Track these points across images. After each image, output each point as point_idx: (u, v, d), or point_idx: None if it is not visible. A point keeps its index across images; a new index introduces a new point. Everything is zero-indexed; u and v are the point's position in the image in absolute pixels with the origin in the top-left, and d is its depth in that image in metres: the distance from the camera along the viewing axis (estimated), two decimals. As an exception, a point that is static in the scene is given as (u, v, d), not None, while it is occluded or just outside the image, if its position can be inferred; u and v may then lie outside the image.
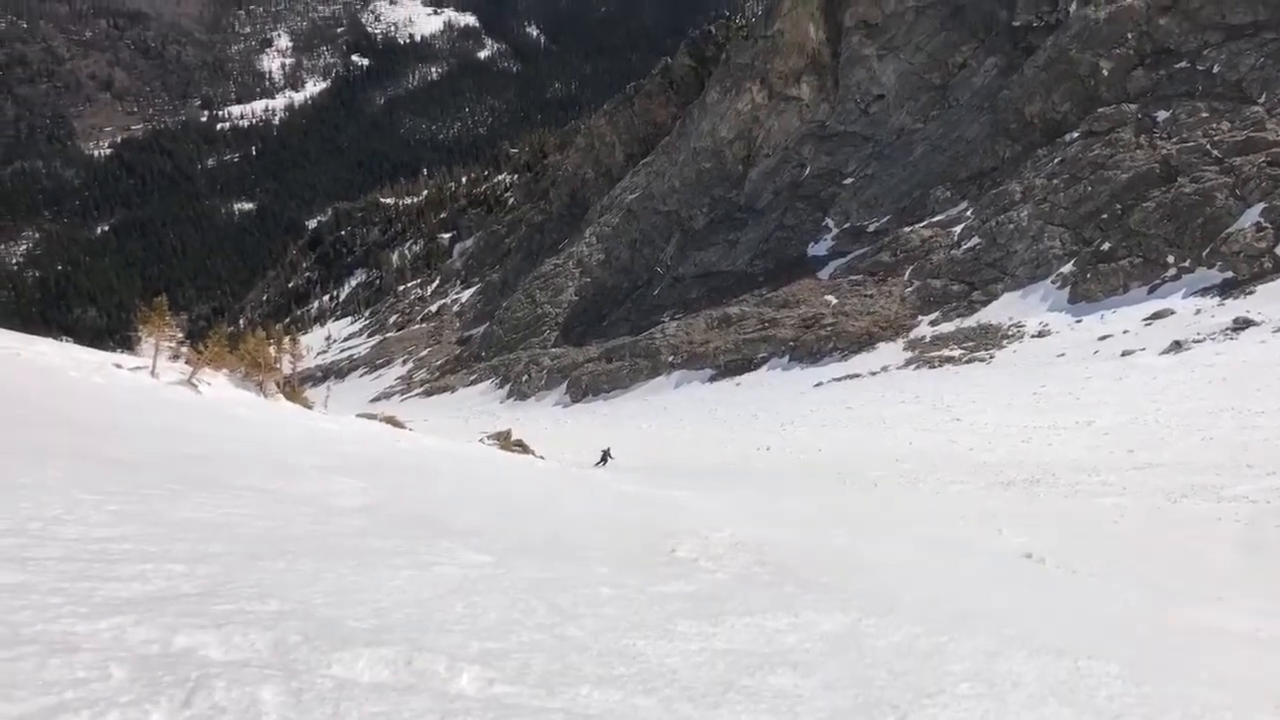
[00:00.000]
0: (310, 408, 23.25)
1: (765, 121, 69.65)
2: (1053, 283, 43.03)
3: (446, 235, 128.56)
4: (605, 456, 26.42)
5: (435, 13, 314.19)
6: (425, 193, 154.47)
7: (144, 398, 15.25)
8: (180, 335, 26.55)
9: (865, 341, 45.16)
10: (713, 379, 48.90)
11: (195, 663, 3.27)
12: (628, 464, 26.00)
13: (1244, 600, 9.08)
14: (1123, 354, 32.99)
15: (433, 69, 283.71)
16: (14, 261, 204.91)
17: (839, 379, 41.35)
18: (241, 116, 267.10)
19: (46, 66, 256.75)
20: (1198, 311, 35.12)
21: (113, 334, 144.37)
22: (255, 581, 4.47)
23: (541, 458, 25.46)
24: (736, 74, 73.00)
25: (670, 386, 50.04)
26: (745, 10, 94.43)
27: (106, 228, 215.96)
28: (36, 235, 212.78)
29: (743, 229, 65.45)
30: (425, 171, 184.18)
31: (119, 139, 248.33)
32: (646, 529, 9.99)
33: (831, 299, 50.20)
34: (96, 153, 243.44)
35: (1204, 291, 36.84)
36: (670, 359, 52.18)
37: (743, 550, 8.73)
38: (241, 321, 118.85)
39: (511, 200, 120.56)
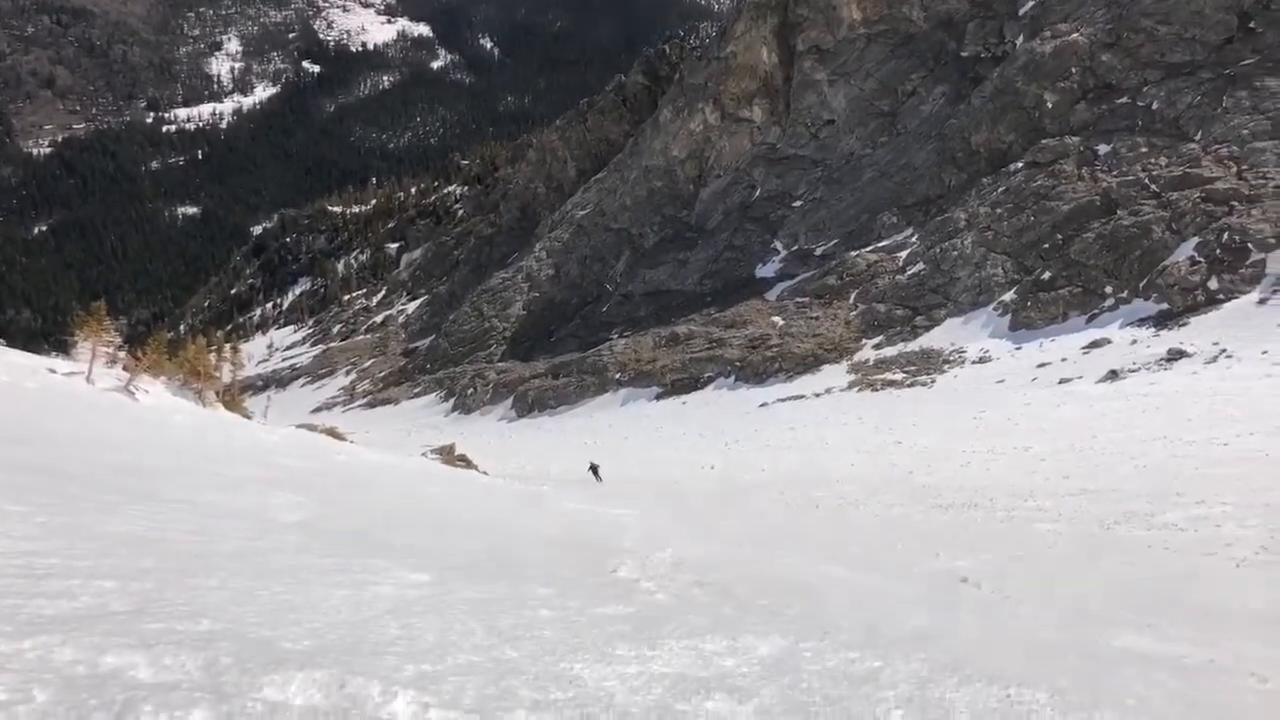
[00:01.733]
0: (250, 417, 22.93)
1: (717, 142, 70.17)
2: (994, 310, 43.74)
3: (394, 245, 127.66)
4: (594, 471, 26.64)
5: (389, 22, 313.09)
6: (374, 202, 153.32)
7: (78, 404, 14.93)
8: (118, 340, 26.08)
9: (810, 363, 45.56)
10: (659, 397, 49.00)
11: (123, 684, 3.21)
12: (569, 479, 25.95)
13: (1171, 628, 9.26)
14: (1060, 381, 33.58)
15: (385, 78, 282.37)
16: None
17: (784, 400, 41.64)
18: (188, 119, 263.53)
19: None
20: (1133, 341, 35.88)
21: (47, 337, 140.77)
22: (187, 600, 4.39)
23: (485, 473, 25.31)
24: (690, 94, 73.49)
25: (617, 404, 50.06)
26: (700, 31, 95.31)
27: (44, 228, 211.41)
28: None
29: (692, 248, 65.79)
30: (374, 180, 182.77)
31: (60, 138, 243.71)
32: (588, 548, 9.97)
33: (778, 320, 50.59)
34: (36, 151, 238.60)
35: (1140, 322, 37.66)
36: (618, 376, 52.22)
37: (683, 571, 8.75)
38: (182, 327, 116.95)
39: (461, 212, 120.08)
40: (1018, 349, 39.91)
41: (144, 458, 10.42)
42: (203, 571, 5.05)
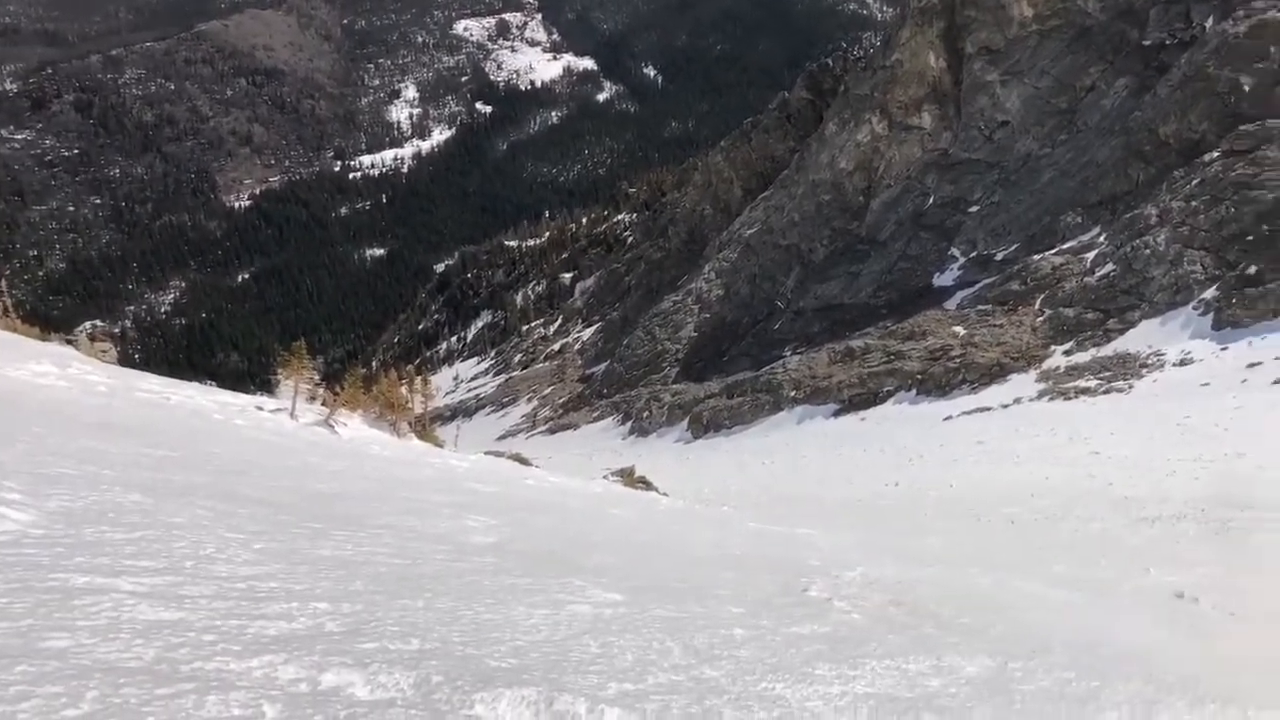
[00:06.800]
0: (441, 446, 23.72)
1: (885, 152, 68.81)
2: (1194, 309, 41.20)
3: (568, 275, 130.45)
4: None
5: (555, 58, 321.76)
6: (547, 234, 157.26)
7: (284, 438, 15.78)
8: (317, 377, 27.46)
9: (996, 373, 43.93)
10: (836, 414, 48.18)
11: (342, 701, 3.33)
12: (753, 500, 25.77)
13: None
14: (1274, 382, 31.30)
15: (553, 113, 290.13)
16: (162, 310, 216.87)
17: (969, 412, 40.27)
18: (372, 165, 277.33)
19: (191, 125, 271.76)
20: (1357, 336, 33.17)
21: (253, 377, 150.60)
22: (397, 620, 4.54)
23: (665, 494, 25.44)
24: (855, 105, 72.39)
25: (793, 422, 49.47)
26: (862, 42, 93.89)
27: (246, 276, 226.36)
28: (182, 285, 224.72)
29: (864, 260, 64.61)
30: (547, 213, 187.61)
31: (257, 190, 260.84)
32: (776, 568, 9.85)
33: (959, 330, 49.04)
34: (237, 204, 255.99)
35: (1364, 315, 34.78)
36: (792, 394, 51.63)
37: (876, 590, 8.53)
38: (374, 363, 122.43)
39: (630, 239, 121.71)
40: (1223, 349, 37.44)
41: (346, 486, 10.91)
42: (408, 593, 5.22)
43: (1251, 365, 34.06)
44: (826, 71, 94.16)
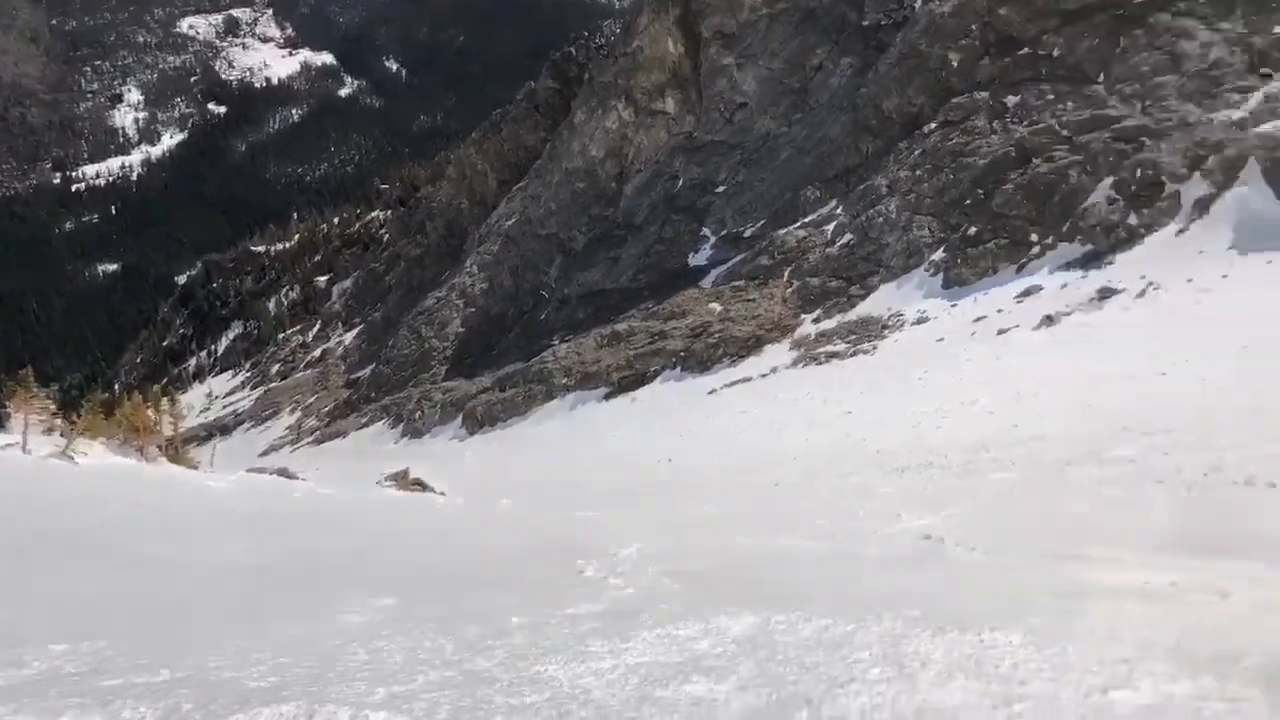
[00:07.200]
0: (196, 468, 22.52)
1: (634, 138, 70.20)
2: (926, 270, 44.24)
3: (323, 278, 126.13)
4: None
5: (290, 54, 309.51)
6: (297, 237, 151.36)
7: (16, 474, 14.54)
8: (53, 407, 25.46)
9: (753, 345, 45.73)
10: (608, 397, 48.90)
11: (80, 745, 3.10)
12: (533, 489, 25.81)
13: (1133, 556, 9.42)
14: (999, 333, 34.07)
15: (293, 111, 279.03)
16: None
17: (731, 384, 41.78)
18: (97, 175, 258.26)
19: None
20: (1064, 285, 36.50)
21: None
22: (146, 652, 4.27)
23: (442, 494, 25.10)
24: (601, 93, 73.44)
25: (566, 408, 49.88)
26: (603, 30, 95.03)
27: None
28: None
29: (623, 245, 65.74)
30: (296, 215, 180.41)
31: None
32: (553, 553, 9.91)
33: (716, 306, 50.73)
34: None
35: (1068, 265, 38.30)
36: (564, 381, 52.00)
37: (651, 563, 8.72)
38: (117, 386, 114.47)
39: (387, 237, 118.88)
40: (953, 306, 40.40)
41: (90, 518, 10.16)
42: (162, 623, 4.92)
43: (978, 319, 36.94)
44: (571, 60, 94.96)
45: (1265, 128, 35.21)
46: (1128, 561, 9.19)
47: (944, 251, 44.16)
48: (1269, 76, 37.49)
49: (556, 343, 58.20)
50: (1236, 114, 37.39)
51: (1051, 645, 5.21)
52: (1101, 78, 44.24)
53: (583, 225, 70.98)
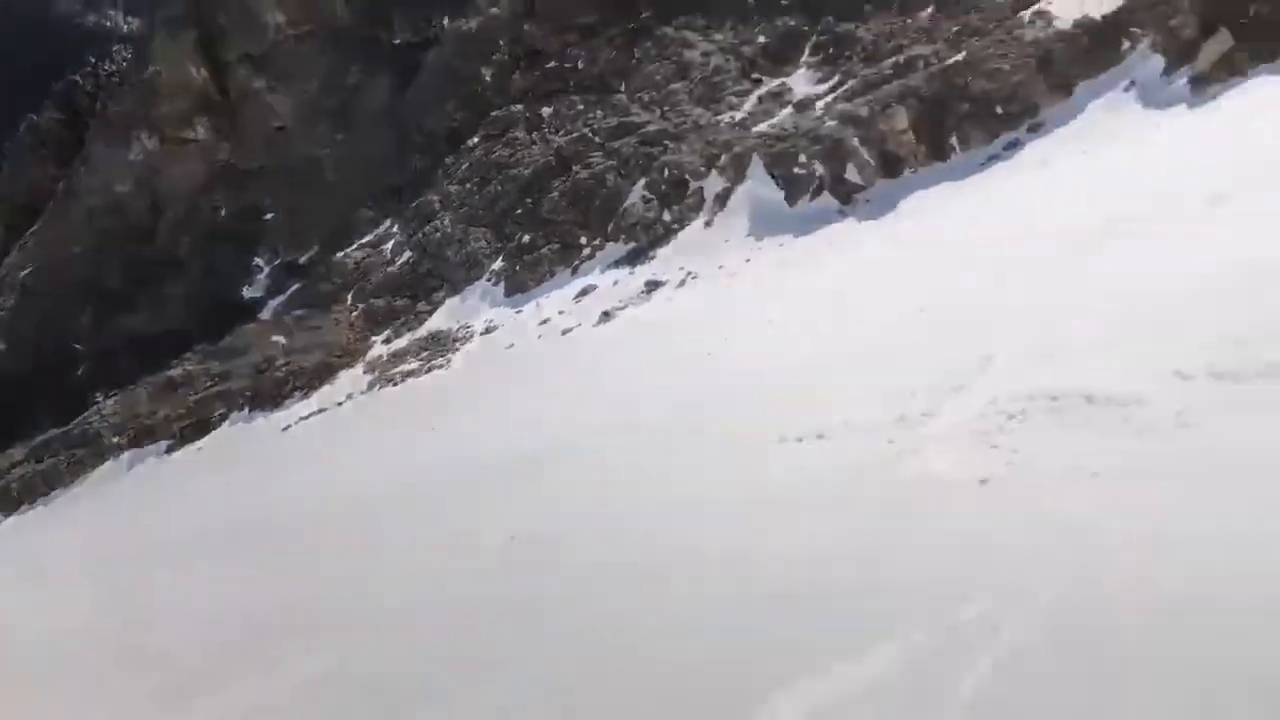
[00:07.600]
0: None
1: (164, 169, 65.37)
2: (488, 281, 45.26)
3: None
4: None
5: None
6: None
7: None
8: None
9: (325, 373, 44.41)
10: (170, 450, 45.23)
11: None
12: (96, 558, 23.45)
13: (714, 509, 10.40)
14: (563, 333, 35.66)
15: None
16: None
17: (305, 417, 40.39)
18: None
19: None
20: (615, 283, 38.90)
21: None
22: None
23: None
24: (119, 123, 67.55)
25: (123, 470, 45.52)
26: (114, 56, 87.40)
27: None
28: None
29: (166, 284, 61.08)
30: None
31: None
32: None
33: (280, 339, 48.67)
34: None
35: (616, 264, 40.85)
36: (115, 440, 47.40)
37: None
38: None
39: None
40: (518, 312, 41.68)
41: None
42: None
43: (543, 322, 38.44)
44: (78, 89, 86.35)
45: (761, 126, 39.72)
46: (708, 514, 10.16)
47: (502, 260, 45.46)
48: (759, 81, 42.44)
49: (101, 399, 52.96)
50: (738, 115, 41.89)
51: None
52: (623, 87, 47.71)
53: (117, 266, 64.93)
